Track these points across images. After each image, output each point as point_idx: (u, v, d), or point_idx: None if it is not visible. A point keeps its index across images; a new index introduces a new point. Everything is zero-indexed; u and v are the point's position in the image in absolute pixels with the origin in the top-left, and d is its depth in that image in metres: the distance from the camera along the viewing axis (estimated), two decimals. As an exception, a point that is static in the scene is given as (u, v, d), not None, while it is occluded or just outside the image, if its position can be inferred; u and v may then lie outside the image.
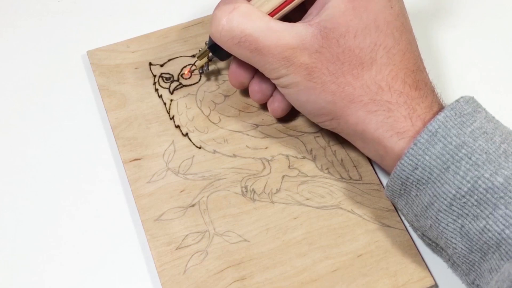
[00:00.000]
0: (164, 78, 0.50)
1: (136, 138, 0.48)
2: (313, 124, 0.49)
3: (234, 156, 0.47)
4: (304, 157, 0.48)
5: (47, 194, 0.47)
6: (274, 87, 0.46)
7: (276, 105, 0.47)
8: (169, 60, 0.51)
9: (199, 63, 0.49)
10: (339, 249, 0.44)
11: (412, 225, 0.44)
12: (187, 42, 0.52)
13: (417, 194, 0.40)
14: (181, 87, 0.50)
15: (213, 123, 0.49)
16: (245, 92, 0.50)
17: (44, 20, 0.54)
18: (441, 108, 0.42)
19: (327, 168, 0.47)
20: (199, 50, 0.49)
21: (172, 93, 0.50)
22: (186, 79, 0.50)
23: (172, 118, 0.49)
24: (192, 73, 0.50)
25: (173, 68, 0.51)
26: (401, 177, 0.40)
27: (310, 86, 0.42)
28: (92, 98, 0.50)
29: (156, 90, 0.50)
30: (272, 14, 0.43)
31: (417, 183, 0.40)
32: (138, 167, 0.47)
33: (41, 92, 0.51)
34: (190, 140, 0.48)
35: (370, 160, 0.48)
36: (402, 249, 0.44)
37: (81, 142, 0.49)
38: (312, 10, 0.42)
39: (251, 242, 0.44)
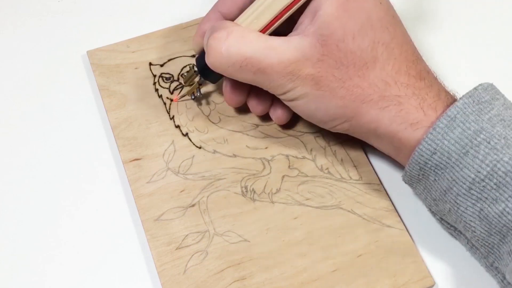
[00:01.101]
0: (164, 78, 0.50)
1: (136, 138, 0.48)
2: (313, 124, 0.49)
3: (234, 156, 0.47)
4: (304, 157, 0.48)
5: (47, 194, 0.47)
6: (273, 96, 0.45)
7: (280, 113, 0.47)
8: (169, 60, 0.51)
9: (189, 89, 0.49)
10: (339, 249, 0.44)
11: (430, 209, 0.44)
12: (187, 42, 0.52)
13: (435, 179, 0.41)
14: (181, 87, 0.50)
15: (213, 123, 0.49)
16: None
17: (44, 20, 0.54)
18: (448, 94, 0.42)
19: (327, 168, 0.47)
20: (183, 76, 0.49)
21: (172, 93, 0.50)
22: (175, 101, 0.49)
23: (172, 118, 0.49)
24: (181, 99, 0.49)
25: (173, 68, 0.51)
26: (419, 162, 0.40)
27: (319, 95, 0.41)
28: (92, 98, 0.50)
29: (156, 90, 0.50)
30: (263, 31, 0.42)
31: (436, 168, 0.40)
32: (138, 167, 0.47)
33: (41, 92, 0.51)
34: (190, 140, 0.48)
35: (370, 160, 0.48)
36: (402, 249, 0.44)
37: (81, 142, 0.49)
38: (303, 19, 0.42)
39: (251, 242, 0.44)
